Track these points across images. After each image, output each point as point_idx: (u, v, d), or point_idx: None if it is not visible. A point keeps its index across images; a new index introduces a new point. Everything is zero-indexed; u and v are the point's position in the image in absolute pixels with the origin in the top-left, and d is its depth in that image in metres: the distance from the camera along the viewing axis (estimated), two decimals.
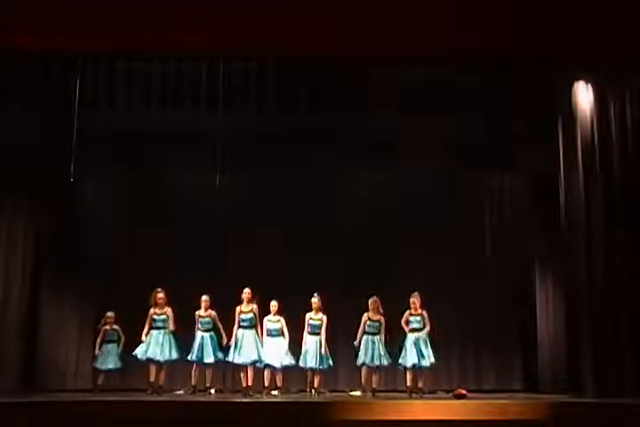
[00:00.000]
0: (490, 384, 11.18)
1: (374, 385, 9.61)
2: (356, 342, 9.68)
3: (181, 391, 10.08)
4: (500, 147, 10.86)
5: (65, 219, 11.26)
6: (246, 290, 9.85)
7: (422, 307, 9.75)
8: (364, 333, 9.70)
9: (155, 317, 9.82)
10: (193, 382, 9.77)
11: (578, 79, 9.47)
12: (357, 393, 9.89)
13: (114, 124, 10.40)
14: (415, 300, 9.74)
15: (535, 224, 11.33)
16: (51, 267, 11.11)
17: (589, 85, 9.44)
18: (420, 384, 9.56)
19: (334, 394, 9.83)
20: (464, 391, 9.31)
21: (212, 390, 9.98)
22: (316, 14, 8.89)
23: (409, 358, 9.53)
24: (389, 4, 8.95)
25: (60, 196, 11.05)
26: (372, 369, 9.64)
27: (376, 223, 11.43)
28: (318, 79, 9.57)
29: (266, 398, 9.06)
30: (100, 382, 10.06)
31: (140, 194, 11.61)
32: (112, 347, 10.11)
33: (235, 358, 9.61)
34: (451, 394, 9.43)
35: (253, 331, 9.67)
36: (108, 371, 10.12)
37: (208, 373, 9.85)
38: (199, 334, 9.82)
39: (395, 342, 9.83)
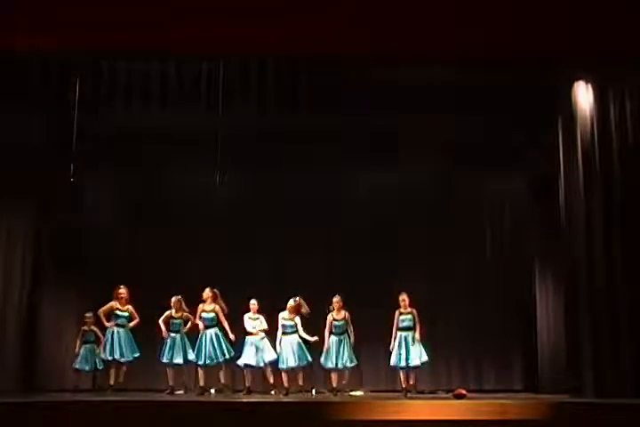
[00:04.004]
0: (490, 384, 11.18)
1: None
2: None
3: (182, 391, 10.09)
4: (500, 147, 10.86)
5: (65, 219, 11.26)
6: (207, 290, 9.93)
7: (412, 305, 9.74)
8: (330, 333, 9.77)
9: (118, 313, 9.89)
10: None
11: (578, 79, 9.46)
12: (357, 393, 9.90)
13: (114, 124, 10.39)
14: (404, 297, 9.72)
15: (535, 224, 11.33)
16: (51, 267, 11.12)
17: (589, 85, 9.42)
18: (411, 382, 9.55)
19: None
20: (464, 391, 9.29)
21: (212, 390, 9.98)
22: (316, 14, 8.89)
23: (399, 358, 9.52)
24: (389, 4, 8.95)
25: (60, 196, 11.06)
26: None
27: (376, 223, 11.43)
28: (318, 79, 9.56)
29: (266, 398, 9.06)
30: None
31: (139, 194, 11.61)
32: (90, 348, 10.14)
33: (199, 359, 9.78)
34: (451, 394, 9.43)
35: (215, 330, 9.79)
36: (85, 372, 10.15)
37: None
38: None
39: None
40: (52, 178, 10.61)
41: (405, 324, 9.63)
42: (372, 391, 10.20)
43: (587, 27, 8.97)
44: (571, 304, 9.39)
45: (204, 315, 9.86)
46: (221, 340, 9.80)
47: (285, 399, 8.97)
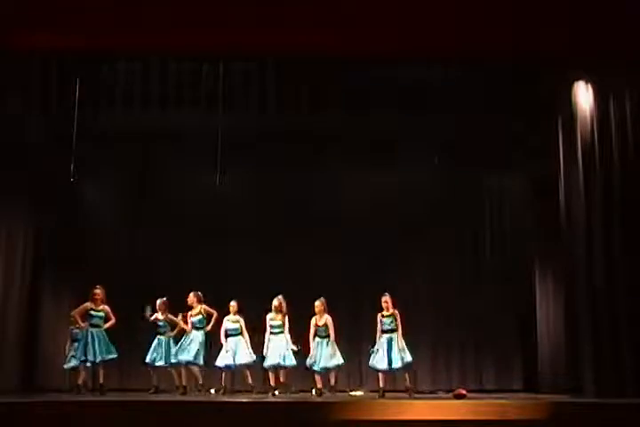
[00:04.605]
0: (490, 384, 11.18)
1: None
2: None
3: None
4: (500, 147, 10.87)
5: (65, 219, 11.28)
6: (191, 295, 9.91)
7: (395, 307, 9.69)
8: (314, 336, 9.62)
9: (92, 313, 9.76)
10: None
11: (578, 79, 9.46)
12: (357, 393, 9.89)
13: (114, 124, 10.39)
14: (387, 299, 9.60)
15: (535, 224, 11.33)
16: (51, 267, 11.12)
17: (589, 85, 9.43)
18: (408, 384, 9.52)
19: (334, 394, 9.83)
20: (464, 391, 9.29)
21: (212, 390, 9.98)
22: (316, 14, 8.90)
23: (381, 360, 9.48)
24: (389, 5, 8.95)
25: (60, 196, 11.06)
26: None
27: (376, 223, 11.43)
28: (318, 79, 9.56)
29: (266, 398, 9.06)
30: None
31: (140, 194, 11.62)
32: (76, 346, 10.06)
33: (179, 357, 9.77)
34: (451, 394, 9.42)
35: (200, 332, 9.81)
36: (71, 369, 10.11)
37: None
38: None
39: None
40: (52, 178, 10.62)
41: (387, 326, 9.54)
42: (372, 391, 10.19)
43: (587, 27, 8.98)
44: (571, 304, 9.39)
45: (191, 318, 9.90)
46: (201, 344, 9.78)
47: (285, 399, 8.96)
